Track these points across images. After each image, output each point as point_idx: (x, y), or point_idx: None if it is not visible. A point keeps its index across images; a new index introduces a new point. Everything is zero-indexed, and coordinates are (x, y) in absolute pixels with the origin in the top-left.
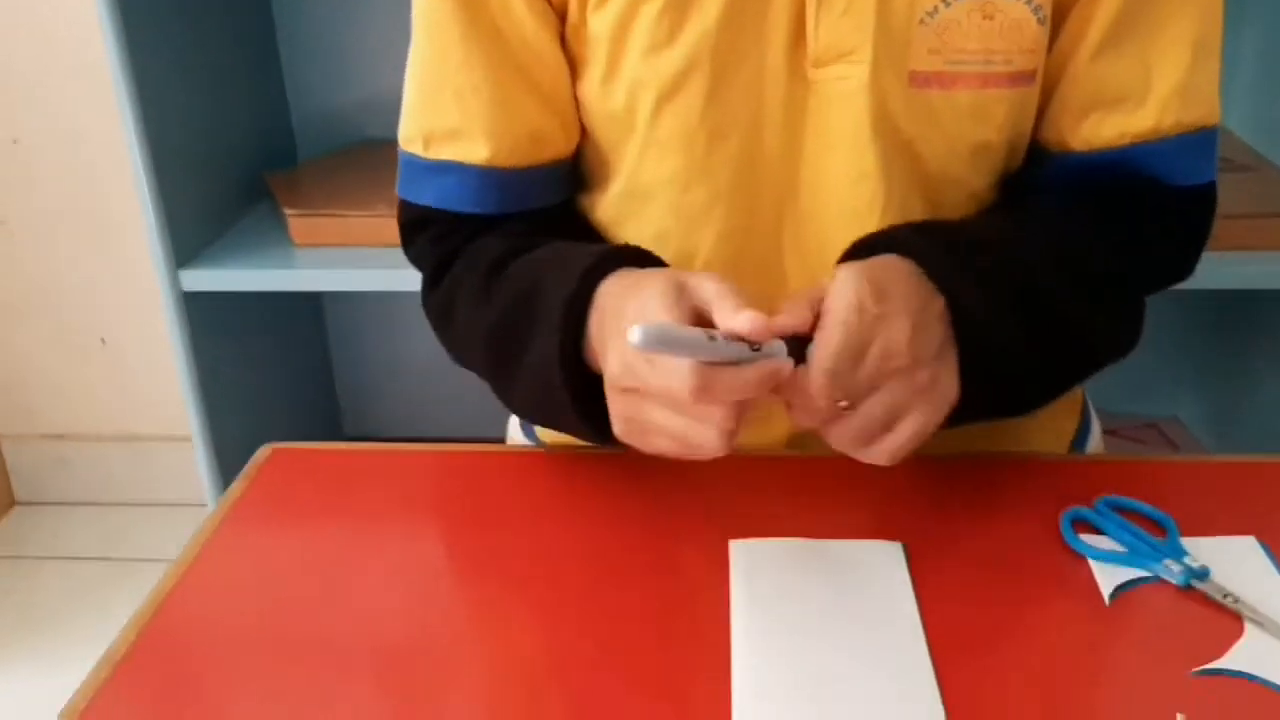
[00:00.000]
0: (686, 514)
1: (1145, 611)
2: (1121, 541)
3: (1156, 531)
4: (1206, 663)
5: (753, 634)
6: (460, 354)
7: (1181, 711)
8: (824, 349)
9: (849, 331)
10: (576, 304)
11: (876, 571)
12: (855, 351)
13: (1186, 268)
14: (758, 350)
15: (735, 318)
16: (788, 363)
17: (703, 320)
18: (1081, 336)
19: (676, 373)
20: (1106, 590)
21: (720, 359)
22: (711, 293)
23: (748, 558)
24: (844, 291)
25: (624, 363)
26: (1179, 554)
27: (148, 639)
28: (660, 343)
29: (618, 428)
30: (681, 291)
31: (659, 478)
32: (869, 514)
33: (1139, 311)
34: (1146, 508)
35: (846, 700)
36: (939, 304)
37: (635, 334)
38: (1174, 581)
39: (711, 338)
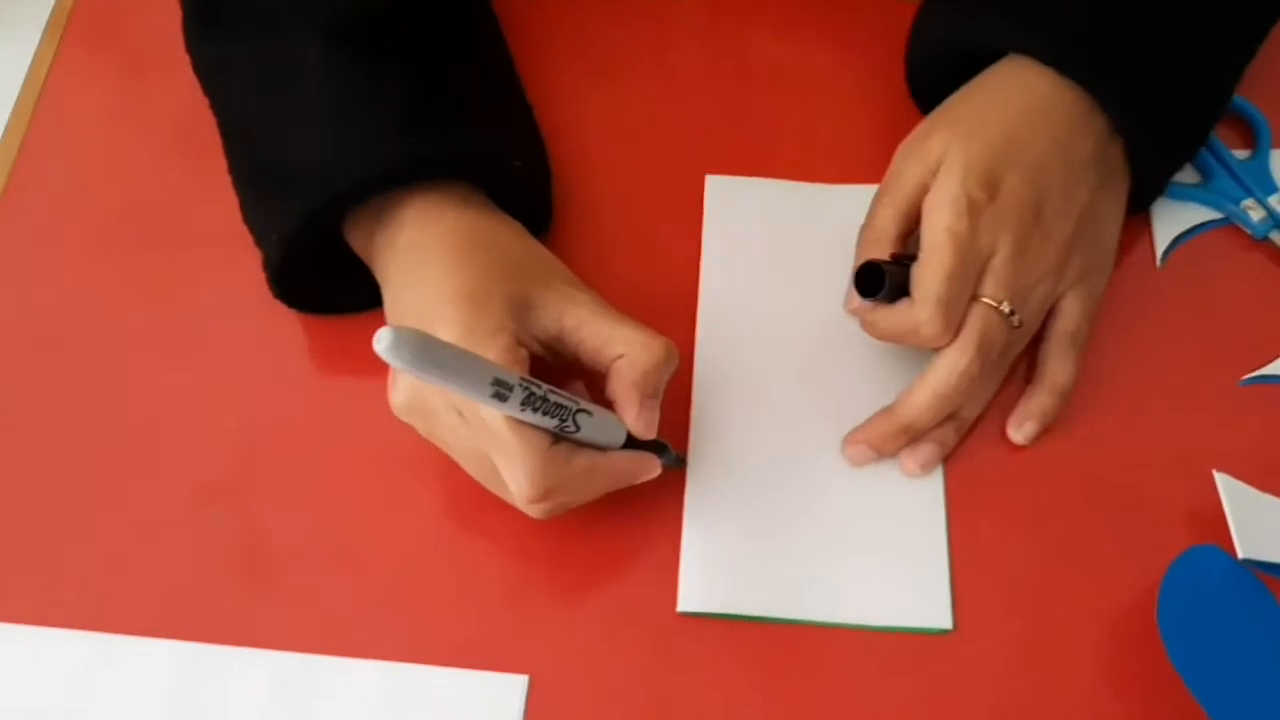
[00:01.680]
0: (661, 137)
1: (1204, 280)
2: (1199, 163)
3: (1240, 140)
4: (1264, 364)
5: (721, 291)
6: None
7: (1216, 469)
8: (928, 279)
9: (959, 246)
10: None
11: None
12: (971, 266)
13: None
14: (580, 414)
15: (634, 412)
16: (653, 463)
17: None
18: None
19: (516, 467)
20: (1162, 243)
21: (528, 420)
22: (594, 349)
23: (727, 197)
24: (941, 191)
25: (417, 398)
26: (1265, 184)
27: None
28: (418, 367)
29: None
30: (524, 312)
31: (631, 103)
32: (870, 151)
33: None
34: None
35: (824, 365)
36: (1094, 126)
37: (383, 338)
38: (1249, 230)
39: (530, 391)
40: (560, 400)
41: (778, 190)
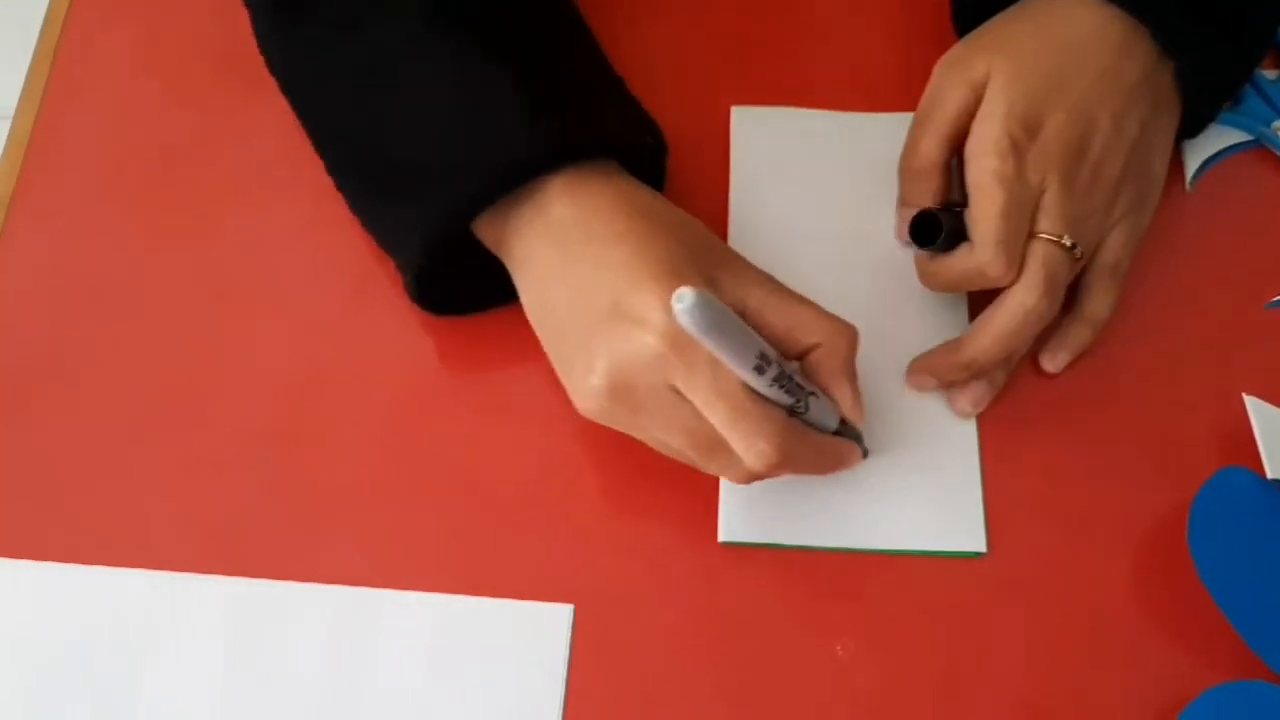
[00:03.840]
0: (683, 68)
1: (1233, 204)
2: None
3: (1270, 60)
4: None
5: (751, 225)
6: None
7: (1245, 392)
8: (984, 220)
9: (1007, 186)
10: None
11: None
12: (1023, 204)
13: None
14: (811, 396)
15: (850, 400)
16: (859, 453)
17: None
18: None
19: (759, 437)
20: (1191, 167)
21: (766, 394)
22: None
23: (753, 129)
24: (982, 135)
25: (624, 380)
26: None
27: None
28: (710, 332)
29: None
30: (713, 292)
31: (652, 31)
32: (901, 78)
33: None
34: None
35: (855, 297)
36: (1141, 54)
37: (686, 299)
38: (1278, 152)
39: (781, 368)
40: (799, 381)
41: (806, 120)
